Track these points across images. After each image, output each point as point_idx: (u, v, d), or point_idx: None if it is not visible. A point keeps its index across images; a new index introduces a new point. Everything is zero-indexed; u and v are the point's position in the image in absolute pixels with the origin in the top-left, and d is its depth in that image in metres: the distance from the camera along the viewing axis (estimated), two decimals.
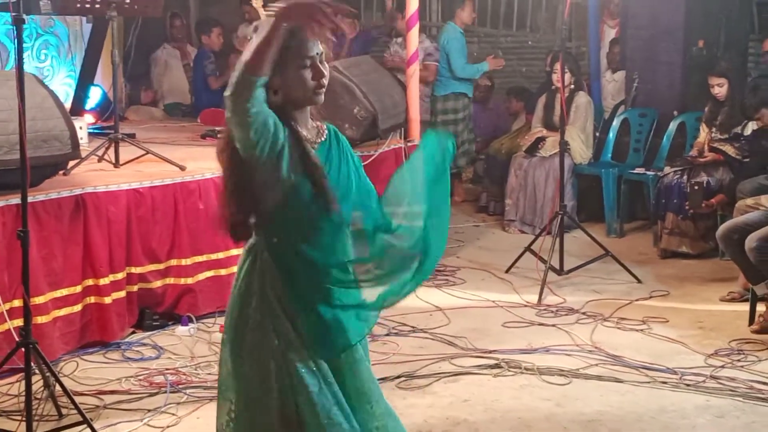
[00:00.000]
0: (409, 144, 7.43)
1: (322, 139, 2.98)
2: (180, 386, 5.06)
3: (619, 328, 6.06)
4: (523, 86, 10.15)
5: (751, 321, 6.04)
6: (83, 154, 6.01)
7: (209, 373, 5.26)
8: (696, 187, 7.43)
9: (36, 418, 4.38)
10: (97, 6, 6.45)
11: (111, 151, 6.39)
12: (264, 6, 8.07)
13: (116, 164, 6.34)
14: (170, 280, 6.02)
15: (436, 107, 9.67)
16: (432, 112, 9.66)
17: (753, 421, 4.65)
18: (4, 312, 4.99)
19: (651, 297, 6.71)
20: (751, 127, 7.38)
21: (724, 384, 5.09)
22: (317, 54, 2.86)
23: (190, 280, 6.06)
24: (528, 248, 7.32)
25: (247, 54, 2.68)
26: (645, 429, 4.58)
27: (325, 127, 3.03)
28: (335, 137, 3.04)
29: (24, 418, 4.25)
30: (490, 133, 9.82)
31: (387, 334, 5.82)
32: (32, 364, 4.32)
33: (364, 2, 11.61)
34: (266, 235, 2.94)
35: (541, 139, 8.78)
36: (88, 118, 8.18)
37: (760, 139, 7.02)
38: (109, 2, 6.39)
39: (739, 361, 5.44)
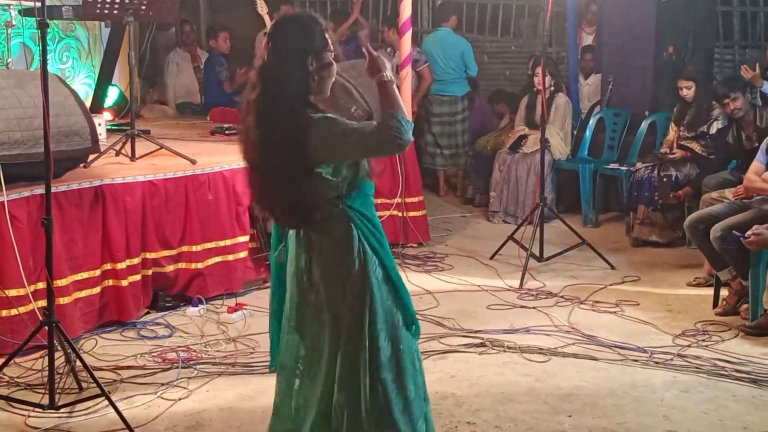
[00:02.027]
0: None
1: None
2: (191, 362, 5.07)
3: (594, 310, 6.07)
4: (505, 90, 10.12)
5: (715, 304, 6.06)
6: (102, 149, 6.02)
7: (218, 350, 5.28)
8: (665, 180, 7.45)
9: (58, 390, 4.39)
10: (115, 12, 6.44)
11: (128, 145, 6.39)
12: (268, 14, 8.08)
13: (132, 158, 6.34)
14: (182, 265, 6.03)
15: (432, 109, 9.66)
16: (428, 113, 9.66)
17: (716, 395, 4.67)
18: (29, 293, 5.01)
19: (623, 282, 6.73)
20: (716, 126, 7.39)
21: (690, 362, 5.10)
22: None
23: (200, 265, 6.06)
24: (511, 237, 7.33)
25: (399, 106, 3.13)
26: (617, 403, 4.59)
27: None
28: None
29: (47, 391, 4.26)
30: (476, 131, 9.81)
31: None
32: (55, 341, 4.32)
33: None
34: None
35: (523, 137, 8.79)
36: (107, 116, 8.17)
37: (723, 136, 7.03)
38: (126, 8, 6.38)
39: (704, 341, 5.46)
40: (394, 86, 3.21)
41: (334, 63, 3.22)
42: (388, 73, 3.20)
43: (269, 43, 3.16)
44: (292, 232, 3.31)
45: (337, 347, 3.23)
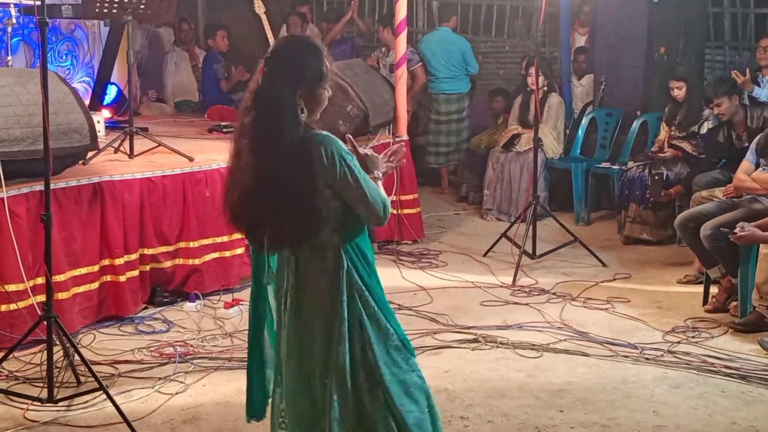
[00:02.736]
0: (396, 139, 7.43)
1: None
2: (188, 357, 5.07)
3: (585, 307, 6.08)
4: (503, 88, 10.14)
5: (705, 301, 6.07)
6: (101, 146, 6.01)
7: (214, 345, 5.28)
8: (656, 178, 7.47)
9: (57, 384, 4.38)
10: (114, 11, 6.44)
11: (126, 143, 6.38)
12: (265, 13, 8.07)
13: (131, 155, 6.33)
14: (179, 261, 6.02)
15: (440, 108, 9.66)
16: (436, 112, 9.65)
17: (706, 391, 4.68)
18: (28, 288, 5.00)
19: (615, 279, 6.74)
20: (707, 126, 7.40)
21: (680, 358, 5.11)
22: None
23: (197, 261, 6.06)
24: (504, 234, 7.33)
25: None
26: (608, 398, 4.60)
27: None
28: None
29: (45, 385, 4.26)
30: (470, 130, 9.81)
31: None
32: (53, 335, 4.32)
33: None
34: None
35: (516, 136, 8.78)
36: (105, 113, 8.17)
37: (714, 136, 7.03)
38: (125, 7, 6.38)
39: (693, 337, 5.47)
40: (380, 182, 3.24)
41: (326, 96, 3.14)
42: (378, 173, 3.23)
43: (264, 67, 3.13)
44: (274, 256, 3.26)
45: (322, 371, 3.17)
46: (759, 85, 7.62)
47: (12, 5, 7.42)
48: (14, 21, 7.51)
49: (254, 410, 3.43)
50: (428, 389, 3.28)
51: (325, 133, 3.10)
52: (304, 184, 3.03)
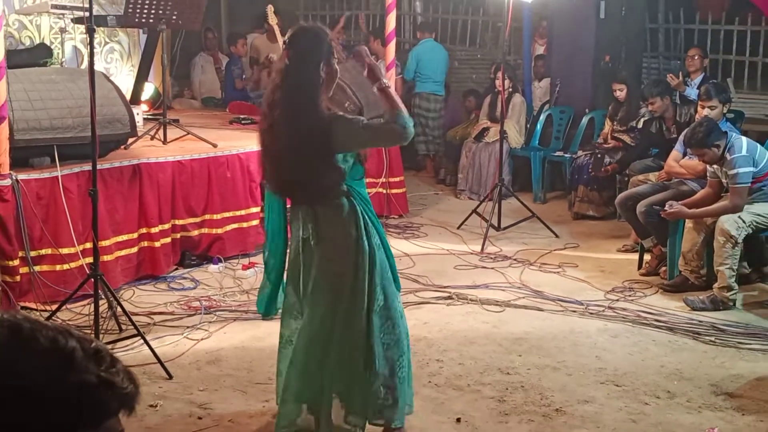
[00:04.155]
0: None
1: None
2: (211, 309, 5.08)
3: (541, 270, 6.10)
4: (474, 89, 10.10)
5: (640, 266, 6.09)
6: (139, 134, 5.98)
7: (233, 300, 5.29)
8: (599, 156, 7.51)
9: (102, 332, 4.39)
10: (151, 21, 6.39)
11: (160, 131, 6.35)
12: (278, 24, 8.01)
13: (164, 142, 6.29)
14: (205, 230, 6.01)
15: (418, 103, 9.58)
16: (422, 108, 9.58)
17: (639, 340, 4.71)
18: (78, 252, 5.01)
19: (565, 248, 6.75)
20: (643, 120, 7.39)
21: (619, 313, 5.14)
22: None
23: (219, 230, 6.05)
24: (474, 211, 7.33)
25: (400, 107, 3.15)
26: (558, 345, 4.62)
27: None
28: None
29: (93, 332, 4.25)
30: (447, 124, 9.79)
31: None
32: (99, 291, 4.32)
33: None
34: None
35: (486, 129, 8.77)
36: (143, 107, 8.10)
37: (648, 128, 7.03)
38: (160, 18, 6.33)
39: (630, 296, 5.49)
40: (392, 89, 3.24)
41: (338, 67, 3.20)
42: (385, 80, 3.23)
43: (288, 50, 3.14)
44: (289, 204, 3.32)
45: (338, 299, 3.22)
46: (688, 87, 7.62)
47: (65, 15, 7.36)
48: (67, 29, 7.45)
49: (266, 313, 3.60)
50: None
51: (344, 114, 3.17)
52: (326, 156, 3.07)
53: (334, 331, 3.24)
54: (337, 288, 3.23)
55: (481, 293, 5.48)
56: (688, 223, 5.53)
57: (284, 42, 3.24)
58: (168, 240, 5.76)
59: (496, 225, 7.09)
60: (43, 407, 0.93)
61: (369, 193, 7.52)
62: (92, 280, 4.31)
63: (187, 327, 4.78)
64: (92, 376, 0.96)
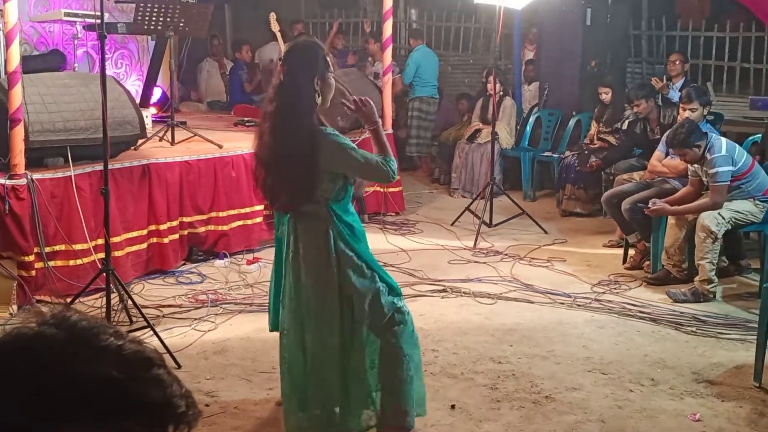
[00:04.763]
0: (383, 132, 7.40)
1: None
2: (217, 302, 5.08)
3: (531, 264, 6.10)
4: (467, 93, 10.09)
5: (624, 260, 6.10)
6: (148, 135, 5.98)
7: (238, 293, 5.28)
8: (586, 153, 7.52)
9: (113, 324, 4.37)
10: (159, 28, 6.39)
11: (168, 133, 6.34)
12: (280, 31, 8.00)
13: (172, 143, 6.29)
14: (211, 227, 6.00)
15: (419, 106, 9.54)
16: (421, 111, 9.55)
17: (624, 330, 4.71)
18: (91, 247, 5.00)
19: (554, 243, 6.75)
20: (627, 122, 7.39)
21: (605, 305, 5.14)
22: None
23: (225, 227, 6.04)
24: (467, 208, 7.33)
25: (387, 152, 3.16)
26: (547, 335, 4.62)
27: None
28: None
29: None
30: (441, 126, 9.78)
31: None
32: (111, 285, 4.32)
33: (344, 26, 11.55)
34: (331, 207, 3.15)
35: (478, 131, 8.76)
36: (152, 110, 8.12)
37: (632, 128, 7.04)
38: (168, 25, 6.33)
39: (615, 289, 5.50)
40: (381, 130, 3.23)
41: (333, 81, 3.17)
42: (376, 118, 3.21)
43: (283, 66, 3.14)
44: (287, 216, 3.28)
45: (306, 316, 3.18)
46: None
47: (78, 23, 7.34)
48: (79, 35, 7.44)
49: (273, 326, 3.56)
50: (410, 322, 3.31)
51: (331, 129, 3.11)
52: (307, 168, 3.04)
53: (306, 344, 3.20)
54: (306, 304, 3.17)
55: (474, 286, 5.48)
56: (671, 220, 5.53)
57: (279, 58, 3.24)
58: (176, 236, 5.75)
59: (488, 222, 7.09)
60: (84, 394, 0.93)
61: (367, 192, 7.55)
62: (104, 274, 4.31)
63: (195, 319, 4.78)
64: (107, 373, 0.95)
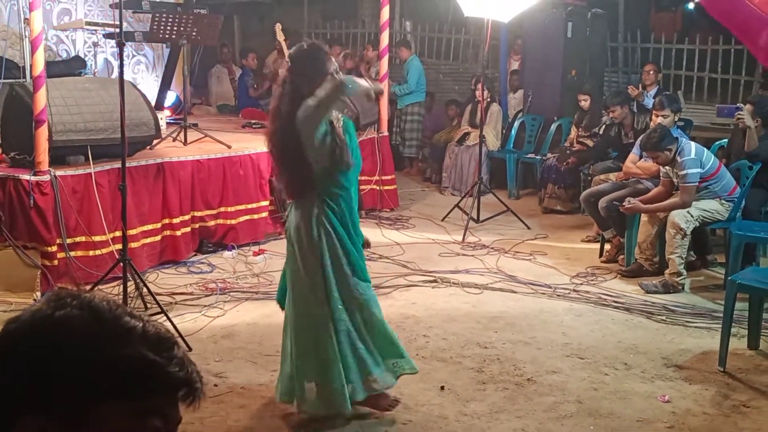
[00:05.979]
0: (380, 135, 7.39)
1: (340, 123, 3.21)
2: (226, 290, 5.07)
3: (515, 258, 6.09)
4: (456, 99, 10.07)
5: (601, 254, 6.09)
6: (163, 136, 5.96)
7: (245, 282, 5.27)
8: (567, 152, 7.53)
9: (129, 309, 4.36)
10: (174, 37, 6.37)
11: (181, 134, 6.32)
12: (285, 39, 7.97)
13: (185, 143, 6.27)
14: (220, 221, 5.99)
15: (417, 111, 9.51)
16: (412, 114, 9.52)
17: (600, 319, 4.72)
18: (109, 239, 4.99)
19: (536, 238, 6.75)
20: (604, 126, 7.39)
21: (582, 295, 5.15)
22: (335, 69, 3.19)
23: (233, 221, 6.03)
24: (456, 205, 7.33)
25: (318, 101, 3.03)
26: (530, 323, 4.63)
27: (341, 116, 3.23)
28: (347, 125, 3.27)
29: None
30: (433, 129, 9.77)
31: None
32: (127, 274, 4.31)
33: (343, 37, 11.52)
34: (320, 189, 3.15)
35: (467, 134, 8.75)
36: (166, 112, 8.07)
37: (608, 131, 7.04)
38: (181, 34, 6.31)
39: (592, 280, 5.50)
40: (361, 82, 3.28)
41: (340, 78, 3.16)
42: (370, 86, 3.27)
43: (290, 66, 3.19)
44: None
45: (296, 291, 3.23)
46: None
47: (98, 31, 7.32)
48: (99, 43, 7.41)
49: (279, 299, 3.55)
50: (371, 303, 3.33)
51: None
52: (298, 161, 3.10)
53: (294, 317, 3.24)
54: (295, 281, 3.23)
55: (462, 277, 5.48)
56: (643, 217, 5.54)
57: (287, 60, 3.25)
58: (188, 229, 5.73)
59: (475, 218, 7.08)
60: (94, 371, 0.93)
61: (364, 190, 7.52)
62: (121, 264, 4.31)
63: (205, 306, 4.78)
64: (142, 353, 0.95)
